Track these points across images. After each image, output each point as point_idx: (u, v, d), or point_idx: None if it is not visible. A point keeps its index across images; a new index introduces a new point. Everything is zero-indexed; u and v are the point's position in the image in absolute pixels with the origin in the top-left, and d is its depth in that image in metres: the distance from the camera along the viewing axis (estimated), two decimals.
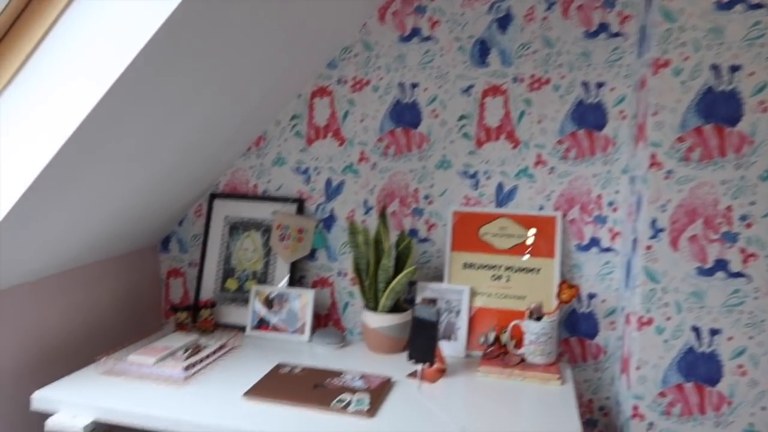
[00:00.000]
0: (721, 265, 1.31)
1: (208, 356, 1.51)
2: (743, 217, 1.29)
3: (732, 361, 1.32)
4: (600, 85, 1.57)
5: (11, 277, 1.38)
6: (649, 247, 1.34)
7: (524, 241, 1.62)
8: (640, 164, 1.40)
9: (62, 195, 1.28)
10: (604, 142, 1.59)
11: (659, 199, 1.33)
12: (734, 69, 1.27)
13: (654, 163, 1.32)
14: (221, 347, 1.57)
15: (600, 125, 1.59)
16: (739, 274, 1.30)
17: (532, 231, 1.62)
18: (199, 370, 1.45)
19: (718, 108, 1.29)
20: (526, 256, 1.62)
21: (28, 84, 1.14)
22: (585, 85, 1.58)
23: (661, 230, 1.33)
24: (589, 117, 1.59)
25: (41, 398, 1.32)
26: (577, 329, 1.63)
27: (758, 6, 1.24)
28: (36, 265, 1.42)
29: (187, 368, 1.42)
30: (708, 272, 1.32)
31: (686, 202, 1.31)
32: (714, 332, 1.32)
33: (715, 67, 1.28)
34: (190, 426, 1.22)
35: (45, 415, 1.32)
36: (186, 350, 1.49)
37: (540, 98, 1.61)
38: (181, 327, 1.68)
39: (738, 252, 1.30)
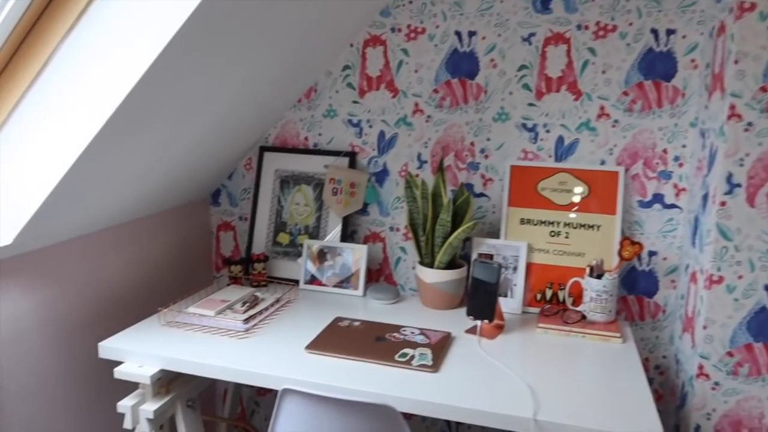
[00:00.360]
0: None
1: (266, 309, 1.51)
2: None
3: None
4: (671, 32, 1.49)
5: (73, 228, 1.39)
6: (723, 204, 1.28)
7: (583, 197, 1.57)
8: (715, 116, 1.33)
9: (119, 150, 1.27)
10: (672, 93, 1.51)
11: (737, 153, 1.26)
12: None
13: (733, 115, 1.25)
14: (277, 301, 1.57)
15: (669, 75, 1.51)
16: None
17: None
18: (259, 322, 1.46)
19: None
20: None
21: (88, 39, 1.12)
22: (654, 32, 1.49)
23: (737, 186, 1.27)
24: (657, 66, 1.51)
25: (107, 347, 1.34)
26: (635, 287, 1.60)
27: None
28: (95, 217, 1.43)
29: (246, 321, 1.42)
30: None
31: (767, 156, 1.25)
32: None
33: None
34: (256, 378, 1.24)
35: (110, 362, 1.35)
36: (244, 303, 1.50)
37: (605, 47, 1.53)
38: (234, 280, 1.69)
39: None
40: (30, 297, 1.33)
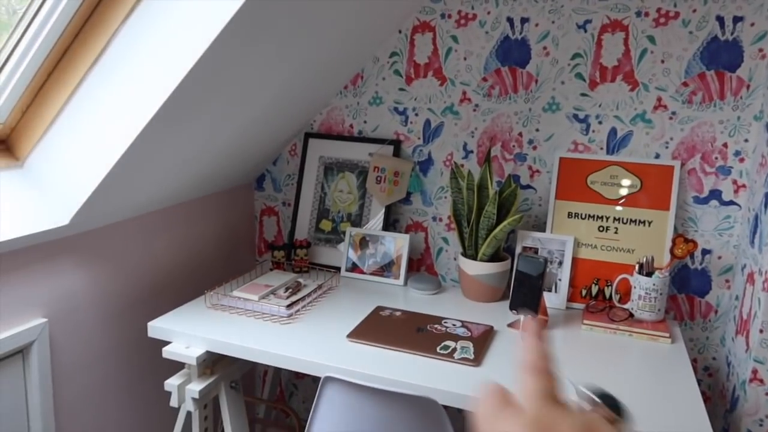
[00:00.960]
0: None
1: (308, 295, 1.52)
2: None
3: None
4: (738, 19, 1.41)
5: (125, 210, 1.42)
6: None
7: (635, 191, 1.52)
8: None
9: (170, 136, 1.29)
10: (736, 84, 1.44)
11: None
12: None
13: None
14: (319, 287, 1.59)
15: (733, 65, 1.43)
16: None
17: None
18: (302, 308, 1.47)
19: None
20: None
21: (144, 27, 1.13)
22: (720, 19, 1.42)
23: None
24: (721, 56, 1.43)
25: (156, 327, 1.38)
26: (686, 286, 1.54)
27: None
28: (146, 200, 1.46)
29: (289, 306, 1.44)
30: None
31: None
32: None
33: None
34: (299, 364, 1.25)
35: (158, 341, 1.38)
36: (287, 289, 1.52)
37: (666, 35, 1.46)
38: (277, 265, 1.71)
39: None
40: (84, 275, 1.37)
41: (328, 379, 1.19)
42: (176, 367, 1.41)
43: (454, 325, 1.39)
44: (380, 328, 1.36)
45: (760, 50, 1.41)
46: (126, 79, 1.17)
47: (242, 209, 1.90)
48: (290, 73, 1.46)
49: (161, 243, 1.59)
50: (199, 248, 1.74)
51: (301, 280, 1.60)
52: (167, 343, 1.38)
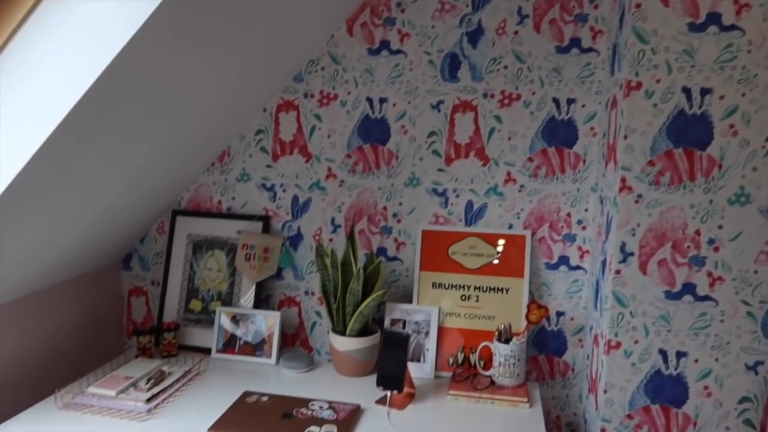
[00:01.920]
0: (688, 288, 1.31)
1: (172, 384, 1.46)
2: (711, 241, 1.29)
3: (698, 383, 1.33)
4: (571, 101, 1.55)
5: None
6: (618, 272, 1.33)
7: (492, 260, 1.60)
8: (610, 186, 1.39)
9: (19, 223, 1.21)
10: (574, 159, 1.57)
11: (629, 223, 1.32)
12: (705, 92, 1.26)
13: (624, 187, 1.31)
14: (186, 374, 1.52)
15: (570, 142, 1.57)
16: (706, 298, 1.30)
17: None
18: (163, 401, 1.40)
19: (689, 131, 1.28)
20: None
21: None
22: (556, 101, 1.56)
23: (630, 254, 1.32)
24: (559, 134, 1.57)
25: None
26: (545, 347, 1.63)
27: (731, 28, 1.23)
28: None
29: (149, 400, 1.37)
30: (676, 296, 1.32)
31: (655, 226, 1.31)
32: (680, 355, 1.33)
33: (686, 90, 1.26)
34: None
35: None
36: (149, 380, 1.45)
37: (510, 115, 1.58)
38: (143, 351, 1.63)
39: (705, 276, 1.30)
40: None
41: None
42: None
43: (321, 407, 1.38)
44: (245, 417, 1.33)
45: (592, 128, 1.55)
46: None
47: (108, 291, 1.81)
48: (153, 152, 1.43)
49: (10, 339, 1.47)
50: (59, 339, 1.62)
51: (165, 367, 1.53)
52: None
